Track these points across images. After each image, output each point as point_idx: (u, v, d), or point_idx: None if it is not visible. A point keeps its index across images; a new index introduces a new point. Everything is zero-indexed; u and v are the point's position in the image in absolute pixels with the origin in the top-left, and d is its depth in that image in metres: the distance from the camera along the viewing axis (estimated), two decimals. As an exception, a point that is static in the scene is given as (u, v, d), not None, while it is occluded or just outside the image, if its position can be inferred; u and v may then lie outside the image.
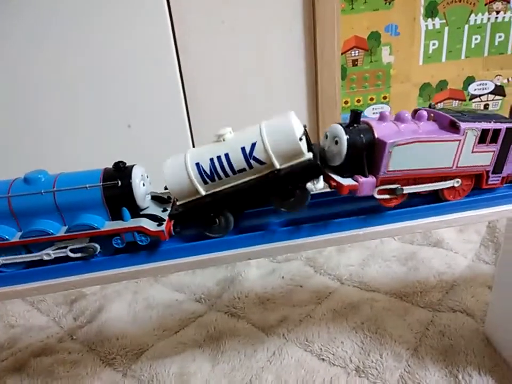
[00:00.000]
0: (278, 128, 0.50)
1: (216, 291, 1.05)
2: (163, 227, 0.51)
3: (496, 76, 1.38)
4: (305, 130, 0.51)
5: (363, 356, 0.83)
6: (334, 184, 0.52)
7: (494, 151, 0.54)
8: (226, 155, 0.50)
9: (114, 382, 0.83)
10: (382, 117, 0.53)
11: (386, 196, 0.53)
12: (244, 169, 0.50)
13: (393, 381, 0.77)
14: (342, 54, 1.27)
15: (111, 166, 0.53)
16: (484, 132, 0.52)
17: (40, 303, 1.09)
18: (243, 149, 0.50)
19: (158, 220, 0.53)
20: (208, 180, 0.51)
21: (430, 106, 0.57)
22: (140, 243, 0.51)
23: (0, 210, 0.51)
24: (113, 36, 1.13)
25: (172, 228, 0.53)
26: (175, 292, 1.07)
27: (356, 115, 0.52)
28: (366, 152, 0.51)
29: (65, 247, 0.52)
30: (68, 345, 0.95)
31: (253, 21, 1.18)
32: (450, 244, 1.13)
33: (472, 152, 0.53)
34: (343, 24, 1.22)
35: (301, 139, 0.49)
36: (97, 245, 0.52)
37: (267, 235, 0.54)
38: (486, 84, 1.38)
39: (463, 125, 0.51)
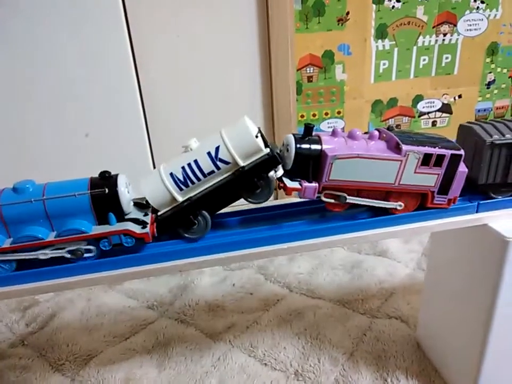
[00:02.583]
0: (236, 130, 0.56)
1: (169, 298, 1.08)
2: (147, 229, 0.56)
3: (444, 94, 1.46)
4: (259, 130, 0.58)
5: (303, 360, 0.87)
6: (281, 185, 0.58)
7: (438, 174, 0.59)
8: (195, 161, 0.56)
9: (61, 387, 0.85)
10: (334, 132, 0.60)
11: (332, 200, 0.59)
12: (212, 171, 0.56)
13: (328, 384, 0.82)
14: (297, 70, 1.33)
15: (96, 175, 0.58)
16: (427, 156, 0.58)
17: (-8, 310, 1.10)
18: (209, 153, 0.56)
19: (141, 223, 0.57)
20: (183, 187, 0.56)
21: (388, 128, 0.63)
22: (126, 245, 0.56)
23: None
24: (73, 49, 1.15)
25: (154, 230, 0.58)
26: (129, 298, 1.09)
27: (308, 129, 0.58)
28: (312, 161, 0.58)
29: (62, 248, 0.56)
30: (19, 351, 0.96)
31: (209, 37, 1.23)
32: (395, 253, 1.19)
33: (415, 172, 0.59)
34: (298, 42, 1.28)
35: (257, 136, 0.56)
36: (90, 247, 0.56)
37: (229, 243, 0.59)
38: (433, 102, 1.47)
39: (405, 147, 0.57)
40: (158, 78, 1.25)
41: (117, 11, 1.15)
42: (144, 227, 0.56)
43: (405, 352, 0.87)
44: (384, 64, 1.38)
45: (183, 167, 0.56)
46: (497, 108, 1.51)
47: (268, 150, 0.56)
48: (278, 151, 0.58)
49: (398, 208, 0.61)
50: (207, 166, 0.56)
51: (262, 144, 0.56)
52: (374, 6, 1.30)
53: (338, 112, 1.41)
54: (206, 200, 0.57)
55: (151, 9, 1.17)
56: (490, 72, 1.45)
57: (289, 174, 0.59)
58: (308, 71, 1.34)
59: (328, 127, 1.42)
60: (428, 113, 1.48)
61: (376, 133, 0.60)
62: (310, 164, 0.58)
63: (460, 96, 1.47)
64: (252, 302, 1.05)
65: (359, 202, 0.60)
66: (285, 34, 1.23)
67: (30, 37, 1.13)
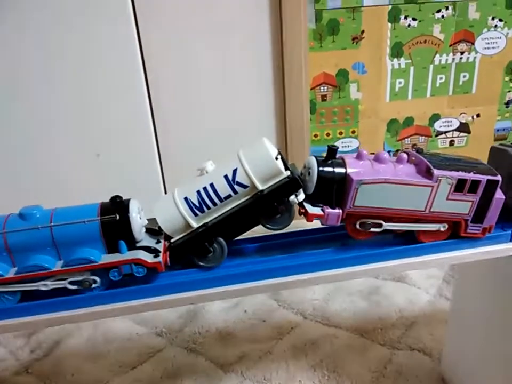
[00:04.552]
0: (254, 151, 0.53)
1: (178, 324, 1.04)
2: (160, 258, 0.52)
3: (461, 113, 1.43)
4: (279, 151, 0.54)
5: (319, 395, 0.82)
6: (302, 210, 0.54)
7: (473, 201, 0.55)
8: (211, 185, 0.52)
9: (64, 421, 0.81)
10: (359, 155, 0.56)
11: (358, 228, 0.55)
12: (229, 196, 0.53)
13: (347, 423, 0.77)
14: (311, 89, 1.30)
15: (107, 200, 0.54)
16: (461, 181, 0.53)
17: (-2, 335, 1.06)
18: (226, 176, 0.52)
19: (153, 251, 0.54)
20: (198, 212, 0.53)
21: (418, 150, 0.59)
22: (137, 275, 0.52)
23: None
24: (83, 65, 1.14)
25: (167, 259, 0.54)
26: (137, 325, 1.05)
27: (331, 151, 0.55)
28: (336, 185, 0.54)
29: (64, 279, 0.52)
30: (23, 379, 0.93)
31: (223, 57, 1.21)
32: (414, 279, 1.14)
33: (447, 199, 0.54)
34: (312, 61, 1.26)
35: (276, 158, 0.52)
36: (96, 278, 0.52)
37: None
38: (451, 121, 1.43)
39: (436, 172, 0.53)
40: (171, 100, 1.23)
41: (131, 36, 1.14)
42: (156, 256, 0.53)
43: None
44: (400, 83, 1.35)
45: (198, 191, 0.52)
46: (517, 127, 1.47)
47: (288, 173, 0.53)
48: (299, 174, 0.54)
49: (442, 229, 0.56)
50: (223, 190, 0.52)
51: (282, 167, 0.53)
52: (389, 24, 1.27)
53: (353, 132, 1.38)
54: (222, 226, 0.53)
55: (164, 36, 1.17)
56: (509, 91, 1.41)
57: (310, 199, 0.55)
58: (322, 90, 1.31)
59: (343, 147, 1.38)
60: (445, 132, 1.44)
61: (405, 155, 0.56)
62: (333, 189, 0.54)
63: (478, 115, 1.43)
64: (264, 330, 1.01)
65: (392, 228, 0.56)
66: (299, 53, 1.21)
67: (43, 55, 1.12)
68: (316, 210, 0.54)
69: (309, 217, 0.53)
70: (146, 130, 1.22)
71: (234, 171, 0.52)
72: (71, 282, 0.52)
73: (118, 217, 0.51)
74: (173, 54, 1.19)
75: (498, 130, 1.46)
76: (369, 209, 0.54)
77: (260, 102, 1.27)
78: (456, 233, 0.57)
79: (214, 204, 0.53)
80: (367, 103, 1.35)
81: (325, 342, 0.95)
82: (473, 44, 1.36)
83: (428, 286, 1.11)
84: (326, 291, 1.12)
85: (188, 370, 0.90)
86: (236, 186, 0.52)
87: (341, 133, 1.37)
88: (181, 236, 0.54)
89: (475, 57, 1.37)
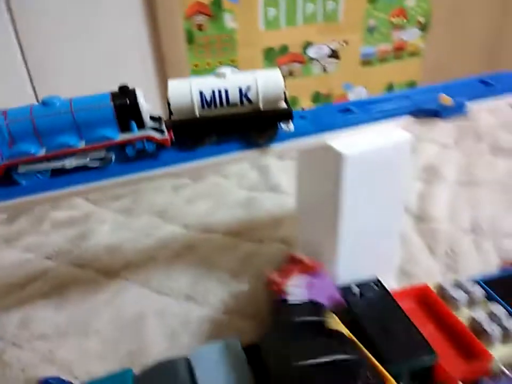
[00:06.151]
0: (269, 79, 0.64)
1: (67, 247, 1.10)
2: (166, 135, 0.63)
3: (331, 40, 1.55)
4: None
5: (193, 285, 0.94)
6: None
7: None
8: (226, 90, 0.62)
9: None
10: None
11: None
12: (236, 104, 0.63)
13: (215, 301, 0.90)
14: (187, 18, 1.34)
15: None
16: None
17: None
18: (240, 88, 0.62)
19: (159, 131, 0.64)
20: (205, 106, 0.63)
21: None
22: (148, 150, 0.63)
23: (26, 130, 0.58)
24: None
25: (172, 137, 0.65)
26: (26, 253, 1.10)
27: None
28: None
29: (85, 157, 0.62)
30: None
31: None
32: (284, 186, 1.28)
33: None
34: (183, -10, 1.29)
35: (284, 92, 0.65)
36: (113, 154, 0.62)
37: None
38: (322, 48, 1.55)
39: None
40: (42, 32, 1.21)
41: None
42: (163, 133, 0.64)
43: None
44: (272, 11, 1.43)
45: (213, 91, 0.62)
46: (380, 52, 1.63)
47: (285, 105, 0.66)
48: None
49: None
50: (234, 98, 0.63)
51: (283, 98, 0.66)
52: (256, -48, 1.33)
53: (232, 61, 1.45)
54: (220, 124, 0.65)
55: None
56: (372, 18, 1.55)
57: None
58: (198, 19, 1.36)
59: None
60: (318, 59, 1.56)
61: None
62: None
63: (346, 42, 1.56)
64: (150, 243, 1.10)
65: None
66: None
67: None
68: None
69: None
70: (17, 68, 1.20)
71: (248, 87, 0.63)
72: (92, 159, 0.62)
73: (128, 101, 0.61)
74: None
75: (364, 55, 1.61)
76: None
77: (133, 36, 1.28)
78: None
79: (222, 105, 0.63)
80: (243, 32, 1.42)
81: (202, 246, 1.07)
82: (338, -27, 1.46)
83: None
84: (209, 205, 1.23)
85: (75, 282, 0.98)
86: (244, 99, 0.63)
87: (220, 62, 1.44)
88: (183, 118, 0.64)
89: (341, -13, 1.48)
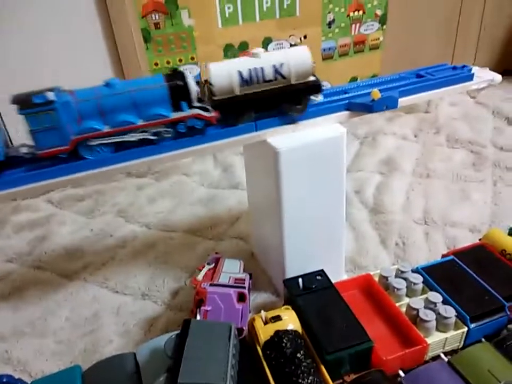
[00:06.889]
0: (299, 55, 0.71)
1: (27, 249, 1.11)
2: (213, 113, 0.69)
3: (290, 35, 1.57)
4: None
5: (150, 283, 0.97)
6: None
7: None
8: (262, 68, 0.69)
9: None
10: None
11: None
12: (270, 80, 0.70)
13: (170, 298, 0.93)
14: (142, 17, 1.34)
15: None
16: None
17: None
18: (274, 66, 0.69)
19: (206, 110, 0.69)
20: (244, 84, 0.69)
21: None
22: (197, 127, 0.69)
23: (92, 109, 0.64)
24: None
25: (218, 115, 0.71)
26: (-14, 256, 1.11)
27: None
28: None
29: (146, 132, 0.68)
30: None
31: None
32: (244, 184, 1.30)
33: None
34: (137, -11, 1.29)
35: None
36: (170, 129, 0.69)
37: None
38: (282, 44, 1.57)
39: None
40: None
41: None
42: (209, 112, 0.70)
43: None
44: (229, 8, 1.43)
45: (250, 70, 0.68)
46: (340, 46, 1.65)
47: (314, 78, 0.73)
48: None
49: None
50: (269, 74, 0.70)
51: (312, 73, 0.73)
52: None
53: (192, 58, 1.46)
54: (257, 101, 0.71)
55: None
56: (329, 12, 1.57)
57: None
58: (154, 18, 1.36)
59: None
60: (278, 54, 1.57)
61: None
62: None
63: (305, 37, 1.58)
64: (110, 243, 1.12)
65: None
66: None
67: None
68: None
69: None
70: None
71: (281, 64, 0.70)
72: (152, 134, 0.68)
73: (181, 82, 0.67)
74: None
75: (324, 50, 1.63)
76: None
77: (88, 36, 1.28)
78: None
79: (258, 82, 0.70)
80: (200, 30, 1.43)
81: (162, 243, 1.09)
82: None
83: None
84: (171, 203, 1.25)
85: (34, 284, 0.99)
86: (277, 75, 0.70)
87: (180, 60, 1.45)
88: (225, 97, 0.70)
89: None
